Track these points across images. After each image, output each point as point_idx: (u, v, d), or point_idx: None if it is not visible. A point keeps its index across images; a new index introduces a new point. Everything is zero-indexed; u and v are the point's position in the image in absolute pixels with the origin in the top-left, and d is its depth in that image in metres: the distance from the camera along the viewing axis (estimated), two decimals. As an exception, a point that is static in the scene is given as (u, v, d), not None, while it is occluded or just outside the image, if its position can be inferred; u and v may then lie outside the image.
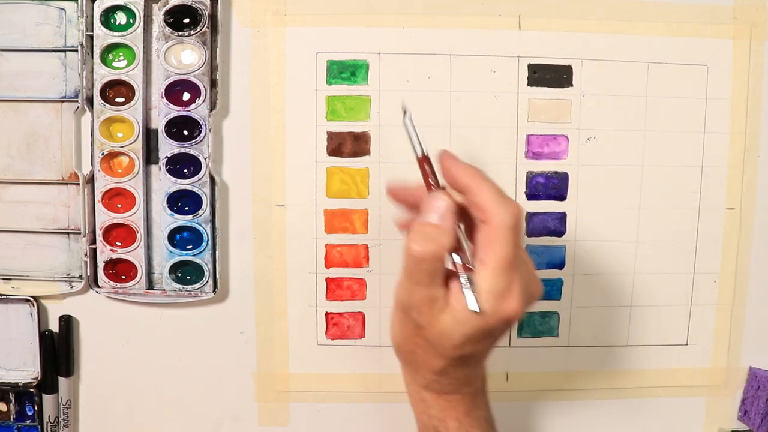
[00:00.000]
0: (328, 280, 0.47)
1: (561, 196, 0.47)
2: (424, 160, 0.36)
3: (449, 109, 0.46)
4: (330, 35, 0.45)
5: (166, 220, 0.46)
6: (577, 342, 0.49)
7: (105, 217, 0.46)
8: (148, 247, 0.47)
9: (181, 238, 0.46)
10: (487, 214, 0.33)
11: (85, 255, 0.46)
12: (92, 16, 0.44)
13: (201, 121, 0.45)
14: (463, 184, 0.35)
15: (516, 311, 0.34)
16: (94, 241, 0.46)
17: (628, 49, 0.46)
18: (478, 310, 0.33)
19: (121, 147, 0.45)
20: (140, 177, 0.45)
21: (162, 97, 0.44)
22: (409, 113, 0.37)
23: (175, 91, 0.45)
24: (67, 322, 0.47)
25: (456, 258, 0.34)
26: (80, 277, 0.47)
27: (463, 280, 0.34)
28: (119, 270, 0.47)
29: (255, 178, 0.46)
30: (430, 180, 0.36)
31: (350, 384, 0.48)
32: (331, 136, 0.46)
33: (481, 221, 0.34)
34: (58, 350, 0.47)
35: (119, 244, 0.46)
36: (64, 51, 0.45)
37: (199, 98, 0.44)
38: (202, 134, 0.45)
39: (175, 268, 0.47)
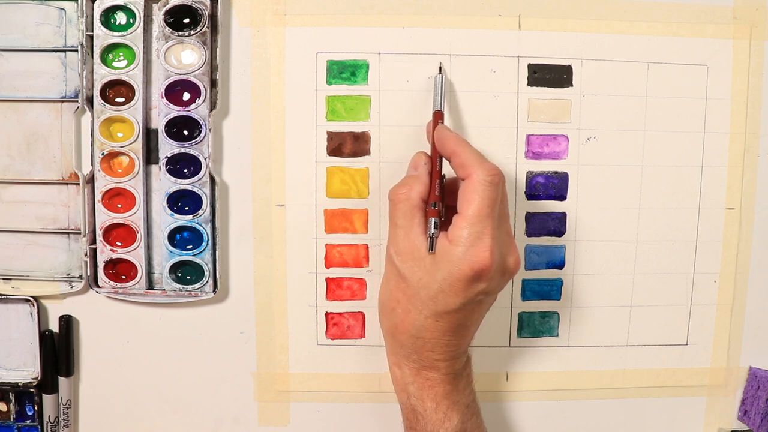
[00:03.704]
0: (328, 280, 0.47)
1: (561, 196, 0.47)
2: (437, 114, 0.43)
3: (449, 109, 0.46)
4: (330, 35, 0.45)
5: (166, 220, 0.46)
6: (577, 342, 0.49)
7: (105, 217, 0.46)
8: (148, 247, 0.47)
9: (181, 238, 0.46)
10: (467, 171, 0.37)
11: (85, 255, 0.46)
12: (92, 16, 0.44)
13: (201, 121, 0.45)
14: (449, 149, 0.39)
15: (484, 263, 0.36)
16: (94, 241, 0.46)
17: (628, 49, 0.46)
18: (431, 251, 0.37)
19: (121, 147, 0.45)
20: (140, 177, 0.45)
21: (162, 97, 0.44)
22: (444, 72, 0.45)
23: (175, 91, 0.45)
24: (67, 322, 0.47)
25: (432, 205, 0.39)
26: (80, 277, 0.47)
27: (430, 222, 0.38)
28: (119, 270, 0.47)
29: (255, 178, 0.46)
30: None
31: (350, 384, 0.48)
32: (331, 136, 0.46)
33: (462, 179, 0.38)
34: (58, 350, 0.47)
35: (119, 244, 0.46)
36: (64, 51, 0.45)
37: (199, 98, 0.44)
38: (202, 134, 0.45)
39: (175, 268, 0.47)
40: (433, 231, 0.38)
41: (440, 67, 0.45)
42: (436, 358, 0.39)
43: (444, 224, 0.39)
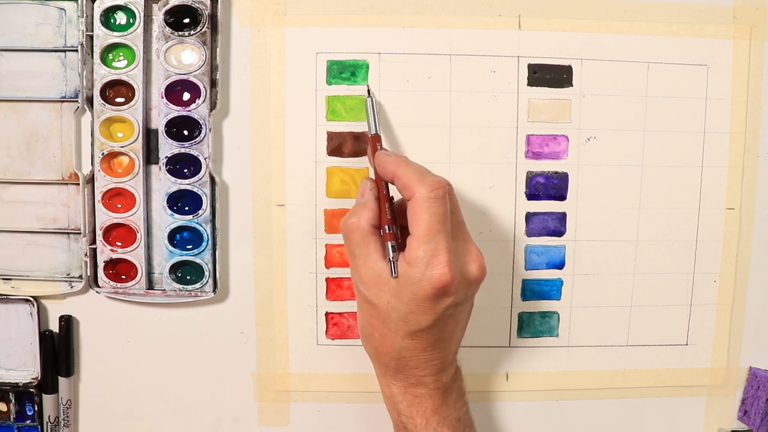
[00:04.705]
0: (328, 280, 0.47)
1: (561, 196, 0.47)
2: (374, 138, 0.42)
3: (449, 109, 0.46)
4: (330, 35, 0.45)
5: (166, 220, 0.46)
6: (577, 342, 0.49)
7: (105, 217, 0.46)
8: (148, 247, 0.47)
9: (181, 238, 0.46)
10: (410, 191, 0.37)
11: (85, 255, 0.46)
12: (92, 16, 0.44)
13: (201, 121, 0.45)
14: (390, 173, 0.39)
15: (444, 279, 0.36)
16: (94, 241, 0.46)
17: (628, 49, 0.46)
18: (394, 275, 0.37)
19: (121, 147, 0.45)
20: (140, 177, 0.45)
21: (162, 97, 0.44)
22: (372, 95, 0.44)
23: (175, 91, 0.45)
24: (67, 322, 0.47)
25: (386, 229, 0.39)
26: (80, 277, 0.47)
27: (387, 247, 0.38)
28: (119, 270, 0.47)
29: (255, 178, 0.46)
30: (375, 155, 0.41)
31: (350, 384, 0.48)
32: (331, 136, 0.46)
33: (408, 200, 0.37)
34: (58, 350, 0.47)
35: (119, 244, 0.46)
36: (64, 51, 0.45)
37: (199, 98, 0.44)
38: (202, 134, 0.45)
39: (175, 268, 0.47)
40: (391, 254, 0.37)
41: (368, 90, 0.44)
42: (421, 374, 0.39)
43: (402, 246, 0.38)
